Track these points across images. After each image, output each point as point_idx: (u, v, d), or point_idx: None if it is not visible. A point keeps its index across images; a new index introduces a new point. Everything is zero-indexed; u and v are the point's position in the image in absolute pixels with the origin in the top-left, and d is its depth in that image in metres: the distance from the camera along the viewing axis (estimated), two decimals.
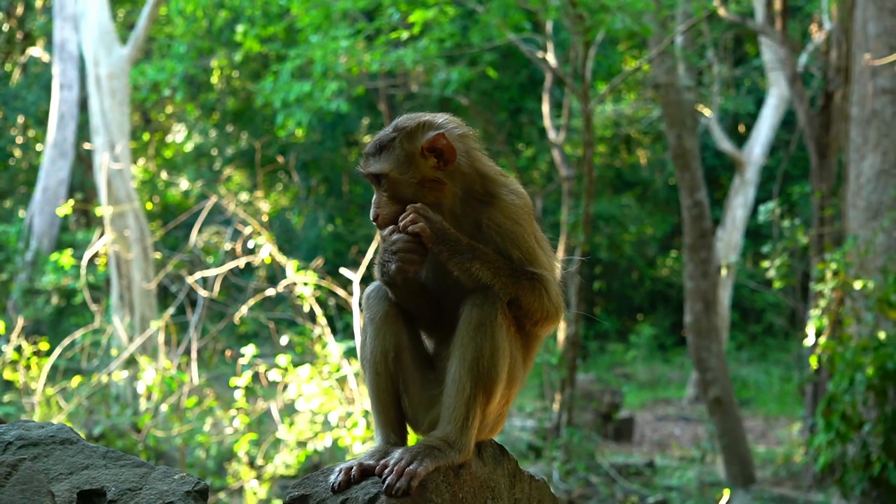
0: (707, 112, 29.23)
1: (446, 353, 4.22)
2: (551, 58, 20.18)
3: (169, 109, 35.78)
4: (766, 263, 18.76)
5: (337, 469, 4.13)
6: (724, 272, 25.77)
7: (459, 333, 4.12)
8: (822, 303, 14.27)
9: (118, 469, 4.26)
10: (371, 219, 4.26)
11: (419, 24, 20.41)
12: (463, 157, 4.26)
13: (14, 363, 15.74)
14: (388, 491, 3.93)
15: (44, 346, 15.95)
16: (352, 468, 4.11)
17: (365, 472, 4.10)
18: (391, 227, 4.18)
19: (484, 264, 4.11)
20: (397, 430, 4.37)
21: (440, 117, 4.33)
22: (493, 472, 4.28)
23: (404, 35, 21.18)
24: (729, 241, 27.47)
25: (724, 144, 27.97)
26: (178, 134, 36.78)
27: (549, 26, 21.47)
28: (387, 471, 3.99)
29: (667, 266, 36.53)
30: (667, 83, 19.41)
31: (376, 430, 4.41)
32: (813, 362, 15.40)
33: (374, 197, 4.26)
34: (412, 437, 4.48)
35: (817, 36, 24.38)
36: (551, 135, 20.71)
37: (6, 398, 16.46)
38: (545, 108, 21.03)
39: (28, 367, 15.73)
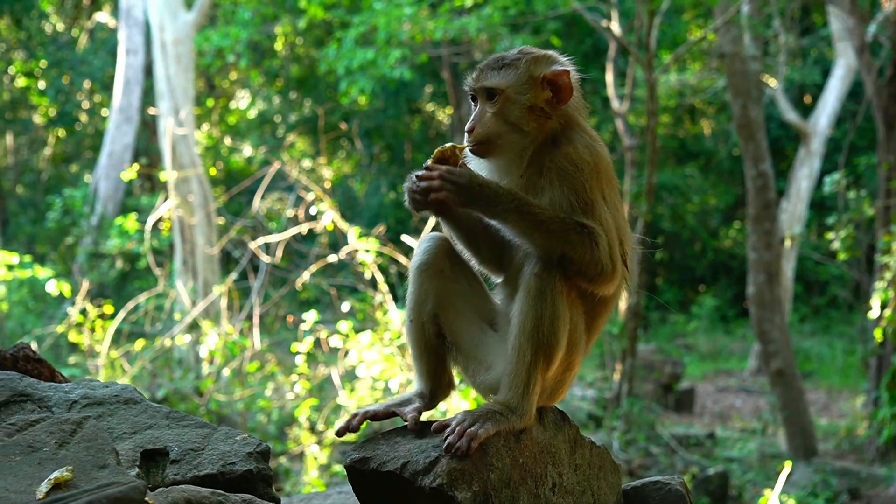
0: (773, 82, 28.96)
1: (509, 313, 4.22)
2: (616, 26, 20.06)
3: (233, 76, 35.93)
4: (830, 235, 18.60)
5: (359, 411, 4.40)
6: (787, 243, 25.58)
7: (519, 301, 4.12)
8: (888, 275, 14.15)
9: (181, 429, 4.30)
10: (466, 129, 4.22)
11: None
12: (573, 101, 4.31)
13: (79, 326, 15.93)
14: (448, 449, 3.96)
15: (108, 309, 16.13)
16: (367, 413, 4.40)
17: (376, 416, 4.40)
18: (428, 164, 4.13)
19: (523, 216, 4.04)
20: (430, 380, 4.44)
21: (563, 57, 4.37)
22: (553, 437, 4.29)
23: (468, 2, 21.13)
24: (793, 212, 27.22)
25: (790, 115, 27.69)
26: (241, 100, 36.93)
27: None
28: (448, 430, 4.02)
29: (729, 237, 36.31)
30: (732, 53, 19.23)
31: (414, 377, 4.50)
32: (877, 335, 15.27)
33: (476, 110, 4.24)
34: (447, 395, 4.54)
35: (887, 5, 24.04)
36: (615, 104, 20.60)
37: (72, 360, 16.64)
38: (609, 77, 20.92)
39: (93, 330, 15.91)
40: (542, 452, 4.21)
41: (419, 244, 4.42)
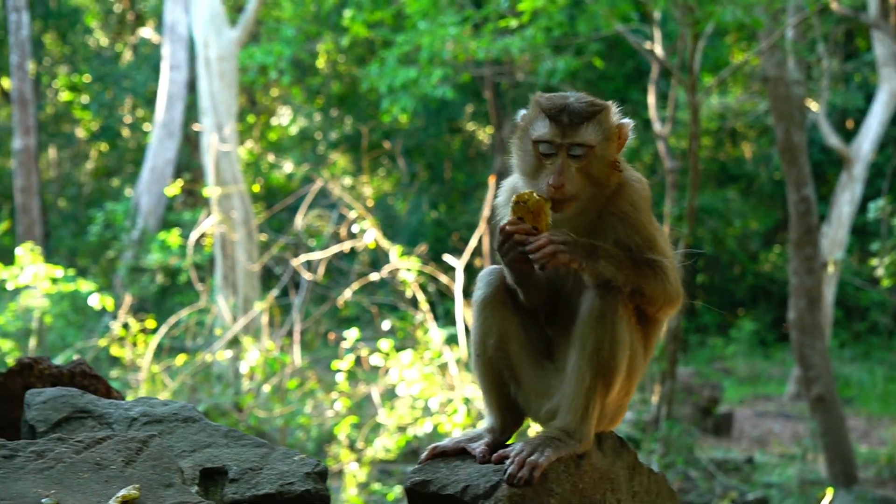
0: (815, 106, 28.86)
1: (565, 342, 4.22)
2: (658, 49, 20.03)
3: (275, 92, 36.07)
4: (874, 261, 18.54)
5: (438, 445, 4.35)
6: (830, 269, 25.45)
7: (580, 324, 4.13)
8: None
9: (239, 448, 4.32)
10: (553, 185, 4.11)
11: (528, 12, 20.35)
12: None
13: (121, 340, 16.02)
14: (509, 480, 3.96)
15: (150, 323, 16.20)
16: (437, 448, 4.34)
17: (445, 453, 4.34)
18: (509, 230, 4.13)
19: (609, 261, 4.09)
20: (499, 413, 4.41)
21: (609, 102, 4.36)
22: (612, 463, 4.29)
23: (513, 23, 21.14)
24: (834, 237, 27.08)
25: (832, 140, 27.57)
26: (283, 117, 37.06)
27: (656, 16, 21.30)
28: (508, 461, 4.02)
29: (769, 261, 36.15)
30: (776, 77, 19.18)
31: (485, 411, 4.49)
32: None
33: (560, 166, 4.13)
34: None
35: None
36: (656, 126, 20.54)
37: (113, 374, 16.72)
38: (651, 99, 20.87)
39: (135, 344, 15.99)
40: (602, 478, 4.21)
41: (480, 278, 4.39)
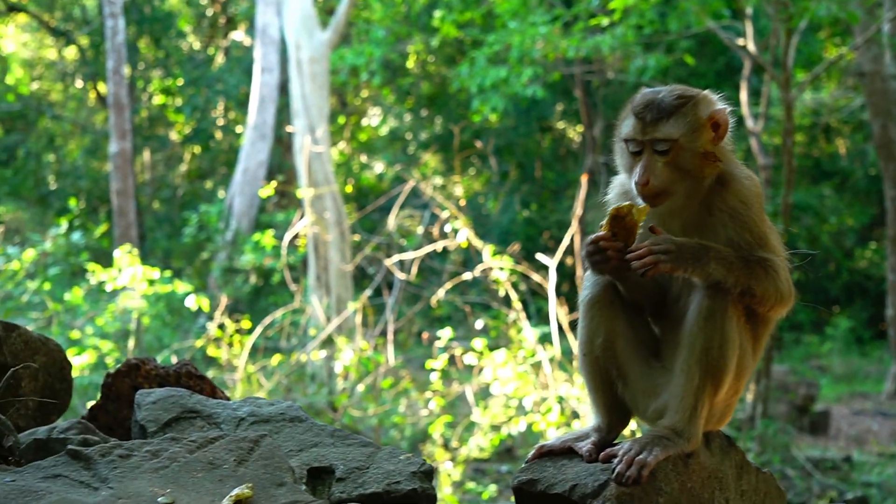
0: None
1: (673, 340, 4.20)
2: (751, 45, 19.87)
3: (365, 93, 36.22)
4: None
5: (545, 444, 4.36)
6: None
7: (689, 323, 4.10)
8: None
9: (346, 448, 4.35)
10: (638, 182, 4.10)
11: (619, 10, 20.26)
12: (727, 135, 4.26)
13: (217, 340, 16.18)
14: (617, 479, 3.95)
15: (245, 324, 16.35)
16: (543, 448, 4.35)
17: (552, 452, 4.35)
18: (598, 237, 4.13)
19: (719, 262, 4.04)
20: (606, 413, 4.39)
21: (706, 91, 4.29)
22: (720, 462, 4.27)
23: (605, 21, 21.06)
24: None
25: None
26: (373, 118, 37.20)
27: (748, 12, 21.13)
28: (616, 460, 4.02)
29: (865, 258, 35.66)
30: (872, 71, 19.00)
31: (591, 410, 4.48)
32: None
33: (644, 161, 4.12)
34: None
35: None
36: (749, 123, 20.39)
37: (209, 374, 16.89)
38: (743, 95, 20.71)
39: (231, 345, 16.14)
40: (710, 478, 4.19)
41: (587, 277, 4.35)
